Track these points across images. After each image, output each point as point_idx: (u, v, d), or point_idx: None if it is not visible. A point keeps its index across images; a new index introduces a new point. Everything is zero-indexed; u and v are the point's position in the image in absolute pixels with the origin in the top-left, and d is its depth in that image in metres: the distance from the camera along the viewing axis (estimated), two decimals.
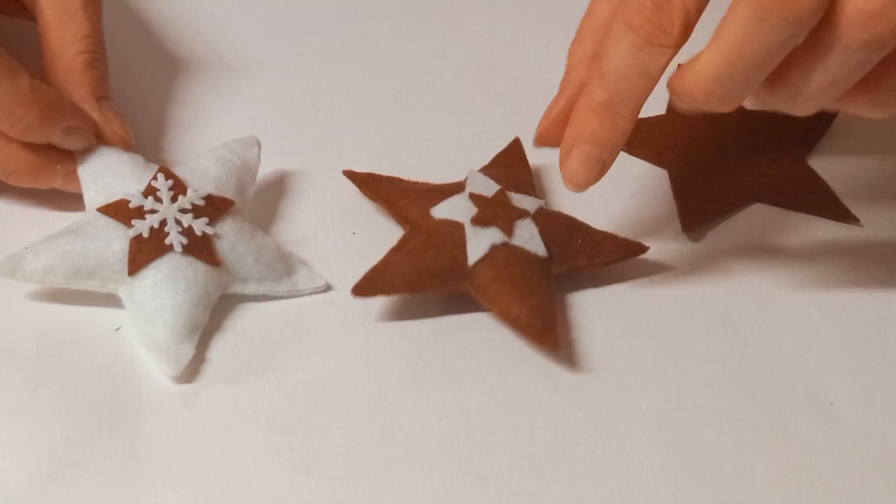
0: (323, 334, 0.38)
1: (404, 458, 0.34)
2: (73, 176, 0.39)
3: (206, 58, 0.50)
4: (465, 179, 0.41)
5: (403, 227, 0.41)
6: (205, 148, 0.42)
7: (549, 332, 0.37)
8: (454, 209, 0.39)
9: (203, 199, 0.37)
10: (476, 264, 0.38)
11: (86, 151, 0.39)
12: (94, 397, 0.34)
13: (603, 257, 0.40)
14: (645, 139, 0.46)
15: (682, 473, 0.34)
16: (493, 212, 0.39)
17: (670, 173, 0.45)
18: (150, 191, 0.37)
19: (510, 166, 0.44)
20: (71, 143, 0.39)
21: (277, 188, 0.43)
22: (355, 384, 0.36)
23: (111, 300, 0.36)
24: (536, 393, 0.37)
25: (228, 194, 0.38)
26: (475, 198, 0.39)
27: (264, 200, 0.42)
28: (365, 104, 0.48)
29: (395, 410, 0.36)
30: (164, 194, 0.36)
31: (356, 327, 0.38)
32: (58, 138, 0.38)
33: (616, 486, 0.34)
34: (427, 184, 0.42)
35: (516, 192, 0.41)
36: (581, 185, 0.37)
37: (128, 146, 0.40)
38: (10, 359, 0.35)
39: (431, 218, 0.39)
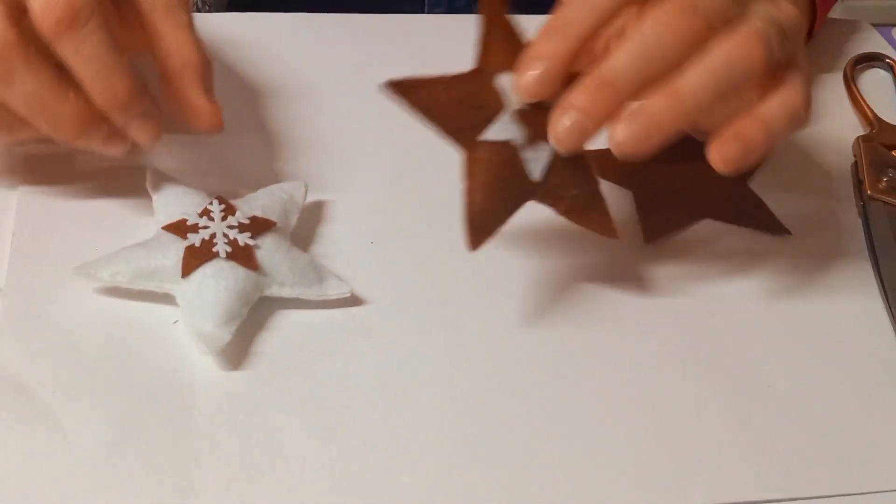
0: (346, 334, 0.38)
1: (411, 429, 0.34)
2: (112, 139, 0.38)
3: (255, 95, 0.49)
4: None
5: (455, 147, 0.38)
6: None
7: (606, 218, 0.37)
8: (502, 132, 0.37)
9: (248, 219, 0.38)
10: (483, 143, 0.37)
11: (151, 140, 0.39)
12: (153, 377, 0.35)
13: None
14: (614, 166, 0.44)
15: (647, 438, 0.35)
16: (536, 126, 0.37)
17: (634, 195, 0.45)
18: (205, 212, 0.38)
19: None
20: (138, 128, 0.37)
21: (317, 216, 0.43)
22: (370, 373, 0.36)
23: (169, 299, 0.37)
24: (528, 382, 0.37)
25: (272, 218, 0.39)
26: (520, 115, 0.37)
27: (306, 226, 0.42)
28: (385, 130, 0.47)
29: (403, 393, 0.36)
30: (217, 215, 0.38)
31: (373, 330, 0.38)
32: (134, 121, 0.37)
33: (592, 455, 0.34)
34: (454, 78, 0.39)
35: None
36: (566, 147, 0.35)
37: (218, 129, 0.39)
38: (84, 343, 0.35)
39: (481, 143, 0.37)
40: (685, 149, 0.43)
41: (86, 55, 0.35)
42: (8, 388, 0.33)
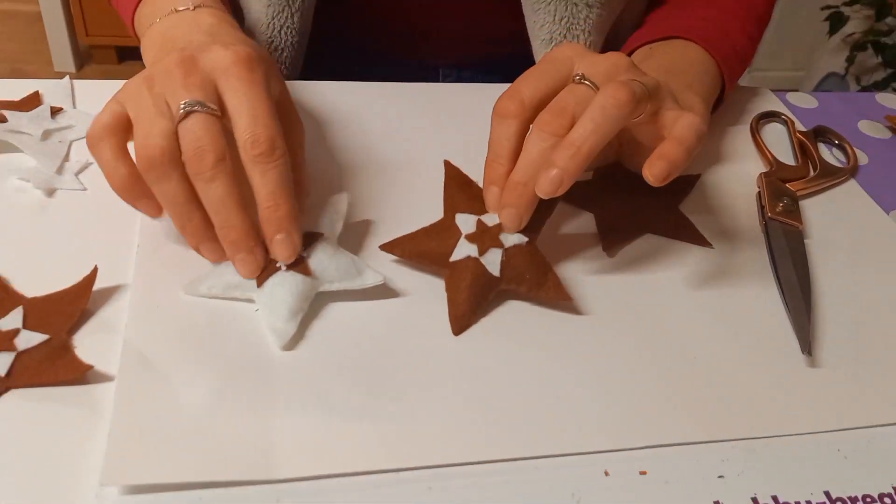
0: (381, 318, 0.39)
1: (436, 387, 0.36)
2: (219, 257, 0.39)
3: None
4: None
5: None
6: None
7: (458, 321, 0.38)
8: (466, 223, 0.41)
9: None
10: (455, 262, 0.39)
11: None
12: (242, 352, 0.36)
13: (537, 295, 0.40)
14: (579, 194, 0.46)
15: (602, 396, 0.36)
16: (483, 242, 0.40)
17: (595, 216, 0.46)
18: None
19: None
20: (241, 260, 0.37)
21: (360, 227, 0.44)
22: (401, 344, 0.37)
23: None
24: (520, 354, 0.38)
25: (321, 229, 0.40)
26: (479, 223, 0.40)
27: (351, 232, 0.43)
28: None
29: (429, 361, 0.37)
30: None
31: (400, 313, 0.39)
32: (239, 254, 0.38)
33: (564, 408, 0.36)
34: (480, 193, 0.42)
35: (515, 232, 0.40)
36: (512, 230, 0.39)
37: (289, 259, 0.38)
38: (191, 326, 0.37)
39: (454, 263, 0.40)
40: (632, 182, 0.47)
41: (212, 196, 0.36)
42: (134, 358, 0.35)
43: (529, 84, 0.39)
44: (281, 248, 0.37)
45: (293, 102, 0.43)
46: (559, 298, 0.40)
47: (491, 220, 0.41)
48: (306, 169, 0.42)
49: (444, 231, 0.41)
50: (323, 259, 0.39)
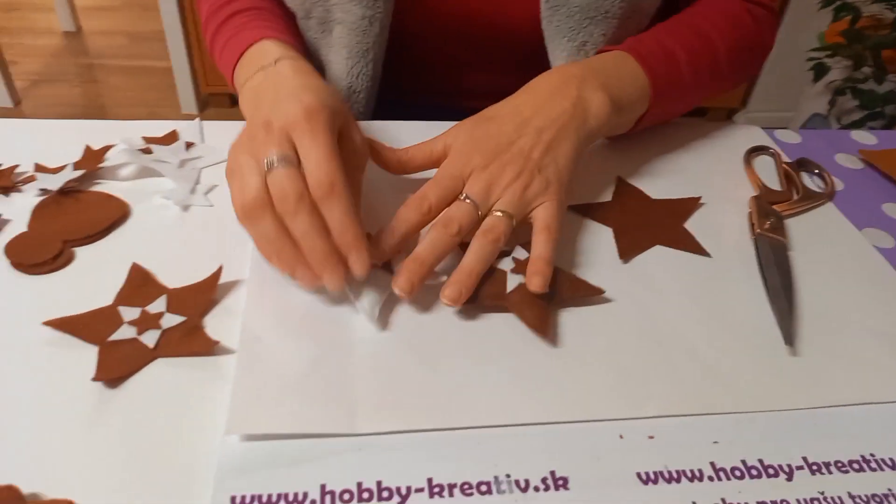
0: (436, 309, 0.39)
1: (474, 362, 0.36)
2: (311, 282, 0.37)
3: None
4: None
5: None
6: None
7: (544, 327, 0.38)
8: (502, 262, 0.41)
9: None
10: (509, 294, 0.39)
11: None
12: (332, 333, 0.36)
13: (569, 294, 0.40)
14: (601, 212, 0.47)
15: (622, 373, 0.36)
16: (521, 266, 0.40)
17: (613, 229, 0.46)
18: None
19: None
20: (329, 276, 0.37)
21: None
22: (453, 328, 0.38)
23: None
24: (544, 339, 0.37)
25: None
26: (516, 260, 0.41)
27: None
28: None
29: (471, 340, 0.37)
30: None
31: (443, 309, 0.39)
32: (325, 271, 0.37)
33: (581, 383, 0.35)
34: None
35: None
36: (405, 295, 0.38)
37: (362, 273, 0.37)
38: (294, 312, 0.37)
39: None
40: (643, 204, 0.47)
41: (298, 227, 0.36)
42: (250, 336, 0.36)
43: (433, 192, 0.41)
44: (355, 266, 0.37)
45: (359, 131, 0.41)
46: (592, 293, 0.40)
47: (522, 254, 0.42)
48: (363, 183, 0.42)
49: (488, 276, 0.40)
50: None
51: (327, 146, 0.37)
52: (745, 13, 0.57)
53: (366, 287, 0.38)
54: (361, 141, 0.41)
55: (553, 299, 0.39)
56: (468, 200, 0.41)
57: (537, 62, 0.56)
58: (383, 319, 0.38)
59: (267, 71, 0.43)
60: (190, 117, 0.51)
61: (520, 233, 0.42)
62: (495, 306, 0.39)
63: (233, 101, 2.21)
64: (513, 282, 0.40)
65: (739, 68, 0.56)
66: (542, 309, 0.38)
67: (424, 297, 0.40)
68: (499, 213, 0.41)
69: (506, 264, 0.41)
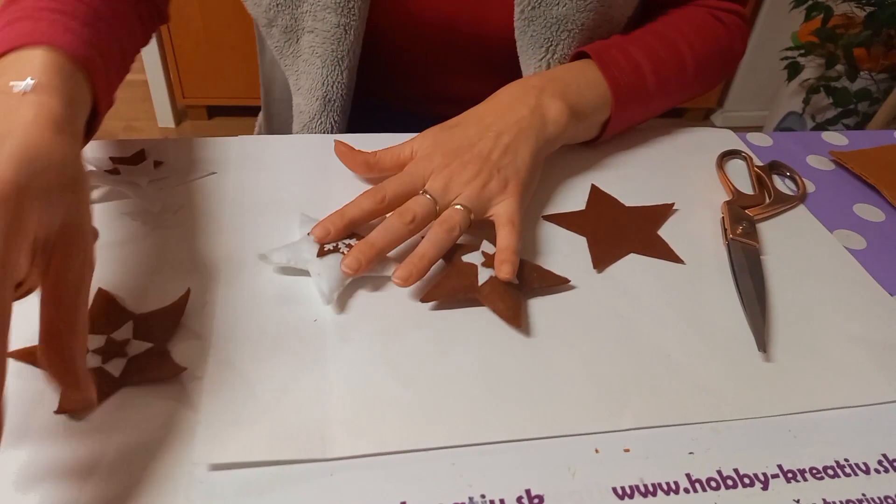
0: (408, 327, 0.38)
1: (451, 374, 0.35)
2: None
3: None
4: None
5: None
6: None
7: (516, 317, 0.38)
8: (471, 257, 0.42)
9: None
10: (482, 286, 0.40)
11: None
12: (301, 357, 0.36)
13: (538, 284, 0.41)
14: (575, 221, 0.47)
15: (596, 385, 0.36)
16: (490, 260, 0.41)
17: (587, 238, 0.46)
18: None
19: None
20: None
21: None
22: (426, 346, 0.37)
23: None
24: (526, 348, 0.38)
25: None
26: (485, 254, 0.42)
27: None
28: None
29: (448, 351, 0.37)
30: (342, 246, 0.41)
31: (423, 321, 0.39)
32: None
33: (560, 392, 0.35)
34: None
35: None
36: (350, 274, 0.39)
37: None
38: (263, 336, 0.37)
39: (460, 259, 0.41)
40: (617, 212, 0.47)
41: None
42: (218, 361, 0.35)
43: (391, 185, 0.43)
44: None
45: (86, 228, 0.30)
46: (559, 282, 0.42)
47: (490, 248, 0.43)
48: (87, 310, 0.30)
49: (459, 270, 0.41)
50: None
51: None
52: (715, 21, 0.58)
53: (328, 271, 0.39)
54: (87, 245, 0.29)
55: (522, 289, 0.41)
56: (427, 196, 0.42)
57: (512, 70, 0.56)
58: (350, 340, 0.38)
59: (9, 98, 0.31)
60: (167, 130, 0.50)
61: (487, 230, 0.44)
62: (468, 299, 0.40)
63: (210, 113, 2.20)
64: (484, 275, 0.40)
65: (709, 75, 0.58)
66: (514, 299, 0.39)
67: (397, 314, 0.40)
68: (458, 207, 0.42)
69: (475, 258, 0.42)
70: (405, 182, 0.43)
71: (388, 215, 0.42)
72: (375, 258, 0.40)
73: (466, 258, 0.42)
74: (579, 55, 0.54)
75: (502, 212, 0.43)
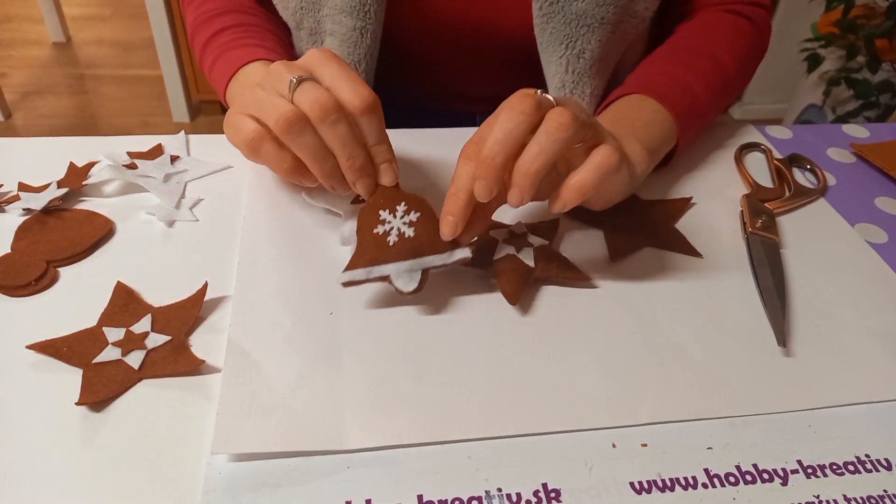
0: (423, 320, 0.38)
1: (467, 369, 0.35)
2: (344, 187, 0.39)
3: None
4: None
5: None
6: None
7: (514, 293, 0.39)
8: (497, 231, 0.43)
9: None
10: (497, 260, 0.41)
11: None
12: (318, 350, 0.36)
13: (556, 273, 0.41)
14: (592, 214, 0.47)
15: (614, 380, 0.36)
16: (512, 238, 0.42)
17: (604, 231, 0.46)
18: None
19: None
20: (362, 184, 0.39)
21: None
22: (440, 339, 0.37)
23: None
24: (538, 342, 0.38)
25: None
26: (510, 231, 0.42)
27: None
28: None
29: (464, 348, 0.37)
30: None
31: (439, 314, 0.39)
32: (361, 180, 0.38)
33: (575, 389, 0.35)
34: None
35: (539, 235, 0.43)
36: (484, 198, 0.35)
37: (391, 180, 0.39)
38: (279, 329, 0.37)
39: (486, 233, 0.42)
40: (634, 205, 0.47)
41: (338, 135, 0.37)
42: (236, 354, 0.35)
43: (490, 130, 0.36)
44: (385, 173, 0.39)
45: None
46: (581, 279, 0.41)
47: (520, 228, 0.43)
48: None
49: (486, 244, 0.42)
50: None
51: (354, 72, 0.38)
52: (740, 19, 0.57)
53: (351, 217, 0.41)
54: None
55: (539, 275, 0.41)
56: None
57: (531, 68, 0.56)
58: (366, 333, 0.38)
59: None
60: (182, 125, 0.51)
61: (524, 211, 0.45)
62: (484, 272, 0.41)
63: (224, 108, 2.21)
64: (501, 251, 0.41)
65: (748, 75, 0.57)
66: (519, 281, 0.39)
67: (412, 308, 0.40)
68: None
69: (500, 234, 0.43)
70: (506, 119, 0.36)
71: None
72: (501, 174, 0.35)
73: (493, 234, 0.43)
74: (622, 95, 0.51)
75: (602, 153, 0.36)
